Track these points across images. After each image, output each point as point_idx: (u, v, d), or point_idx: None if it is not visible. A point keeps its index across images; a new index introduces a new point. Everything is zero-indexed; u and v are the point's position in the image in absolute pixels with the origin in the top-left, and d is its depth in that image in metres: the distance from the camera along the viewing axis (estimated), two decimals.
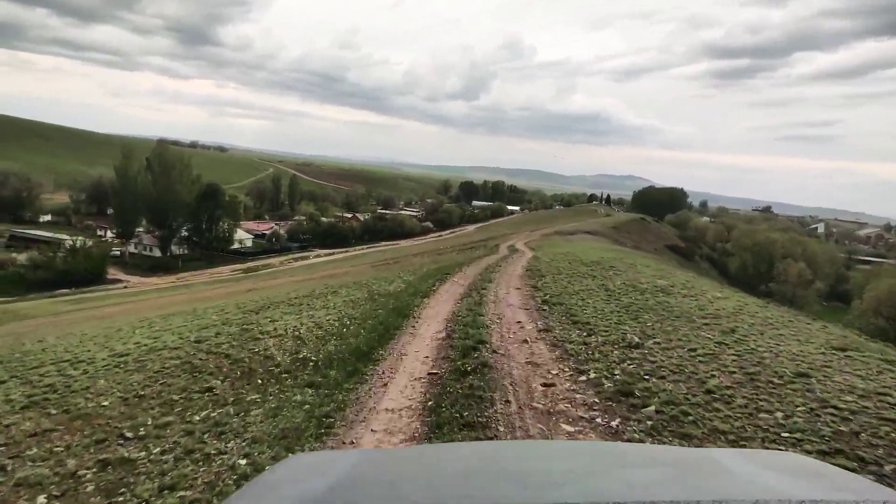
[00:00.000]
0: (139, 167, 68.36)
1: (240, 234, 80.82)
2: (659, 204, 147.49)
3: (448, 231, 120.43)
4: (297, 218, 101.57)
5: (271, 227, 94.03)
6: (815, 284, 46.79)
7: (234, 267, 68.73)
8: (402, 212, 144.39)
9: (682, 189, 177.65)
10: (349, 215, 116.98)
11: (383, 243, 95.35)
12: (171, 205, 66.60)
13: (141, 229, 70.81)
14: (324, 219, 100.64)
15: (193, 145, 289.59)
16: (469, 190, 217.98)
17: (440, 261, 24.98)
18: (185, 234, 72.10)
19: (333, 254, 79.97)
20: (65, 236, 62.30)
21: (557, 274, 15.20)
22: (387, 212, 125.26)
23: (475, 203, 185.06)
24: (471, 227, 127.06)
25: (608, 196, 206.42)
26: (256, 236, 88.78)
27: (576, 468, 1.34)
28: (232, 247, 76.65)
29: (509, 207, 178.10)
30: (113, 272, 60.06)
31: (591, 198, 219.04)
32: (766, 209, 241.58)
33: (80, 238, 60.41)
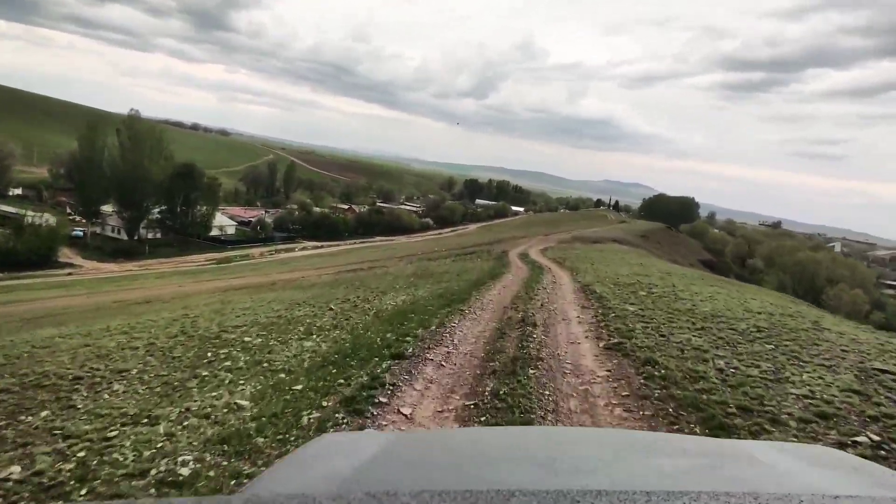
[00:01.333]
0: (109, 141, 61.19)
1: (221, 219, 73.89)
2: (670, 213, 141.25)
3: (448, 229, 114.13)
4: (289, 206, 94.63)
5: (257, 215, 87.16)
6: (871, 314, 40.17)
7: (209, 256, 61.88)
8: (403, 206, 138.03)
9: (693, 199, 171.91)
10: (345, 206, 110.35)
11: (378, 238, 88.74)
12: (140, 183, 59.60)
13: (109, 208, 63.75)
14: (317, 209, 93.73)
15: (195, 127, 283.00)
16: (473, 188, 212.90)
17: (431, 274, 17.71)
18: (157, 216, 65.08)
19: (322, 247, 73.16)
20: (30, 212, 55.39)
21: (655, 329, 8.19)
22: (385, 205, 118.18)
23: (479, 202, 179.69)
24: (472, 227, 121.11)
25: (617, 202, 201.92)
26: (241, 223, 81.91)
27: (605, 455, 1.34)
28: (210, 233, 69.76)
29: (513, 208, 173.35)
30: (68, 255, 53.27)
31: (598, 203, 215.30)
32: (776, 224, 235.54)
33: (38, 215, 53.68)
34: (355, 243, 79.18)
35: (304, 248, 71.30)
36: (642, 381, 5.66)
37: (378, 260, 32.77)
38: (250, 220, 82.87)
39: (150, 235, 64.90)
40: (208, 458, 4.08)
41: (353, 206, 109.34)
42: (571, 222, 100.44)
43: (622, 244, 34.87)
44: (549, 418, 4.77)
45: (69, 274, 45.72)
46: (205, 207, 67.50)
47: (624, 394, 5.40)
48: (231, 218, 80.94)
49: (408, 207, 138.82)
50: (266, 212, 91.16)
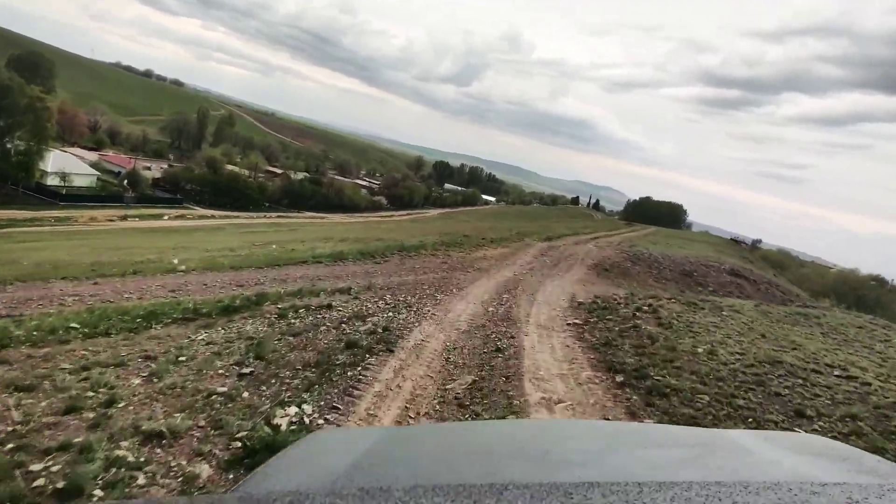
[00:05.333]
0: None
1: (65, 163, 51.52)
2: (659, 216, 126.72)
3: (404, 212, 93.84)
4: (186, 163, 72.32)
5: (144, 166, 64.71)
6: None
7: (13, 215, 39.92)
8: (357, 182, 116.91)
9: (681, 205, 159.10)
10: (277, 171, 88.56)
11: (307, 214, 67.84)
12: None
13: None
14: (232, 167, 71.91)
15: (148, 74, 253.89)
16: (443, 171, 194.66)
17: None
18: None
19: (210, 217, 51.64)
20: None
21: None
22: (337, 177, 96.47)
23: (447, 186, 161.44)
24: (434, 212, 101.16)
25: (597, 201, 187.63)
26: (111, 173, 59.65)
27: (597, 448, 1.35)
28: (43, 182, 47.56)
29: (484, 197, 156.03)
30: None
31: (575, 200, 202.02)
32: (735, 240, 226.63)
33: None
34: (268, 218, 57.71)
35: (181, 217, 49.54)
36: None
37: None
38: (121, 171, 60.41)
39: None
40: None
41: (286, 172, 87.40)
42: (553, 218, 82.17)
43: (732, 271, 16.55)
44: None
45: None
46: (28, 143, 45.05)
47: None
48: (94, 166, 58.49)
49: (362, 183, 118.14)
50: (150, 165, 68.43)
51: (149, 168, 66.18)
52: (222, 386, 5.09)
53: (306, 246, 14.25)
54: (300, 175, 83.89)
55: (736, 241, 52.11)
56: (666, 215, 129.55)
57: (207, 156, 69.72)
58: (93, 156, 65.20)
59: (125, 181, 56.55)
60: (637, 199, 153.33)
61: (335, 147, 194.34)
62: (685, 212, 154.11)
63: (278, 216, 60.98)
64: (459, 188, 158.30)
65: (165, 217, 47.88)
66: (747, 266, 18.67)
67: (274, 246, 14.37)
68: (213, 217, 52.06)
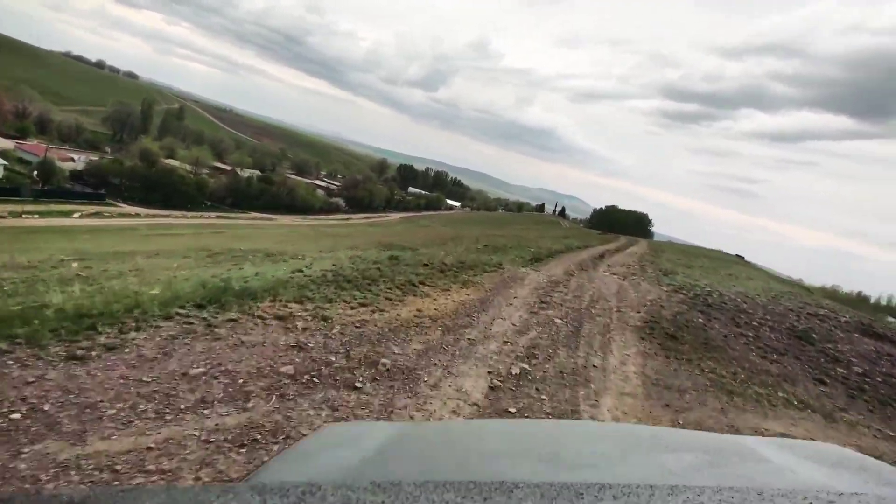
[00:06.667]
0: None
1: None
2: (624, 226, 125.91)
3: (363, 215, 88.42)
4: (115, 155, 65.17)
5: (66, 157, 57.40)
6: None
7: None
8: (315, 182, 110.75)
9: (647, 214, 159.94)
10: (225, 167, 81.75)
11: (253, 215, 61.67)
12: None
13: None
14: (173, 161, 65.04)
15: (100, 65, 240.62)
16: (407, 174, 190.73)
17: None
18: None
19: (135, 216, 45.07)
20: None
21: None
22: (293, 176, 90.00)
23: (411, 189, 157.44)
24: (395, 216, 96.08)
25: (563, 209, 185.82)
26: (26, 163, 52.32)
27: (609, 450, 1.34)
28: None
29: (449, 202, 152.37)
30: None
31: (541, 208, 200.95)
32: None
33: None
34: (205, 218, 51.47)
35: (95, 215, 42.80)
36: None
37: None
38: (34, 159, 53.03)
39: None
40: None
41: (234, 169, 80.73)
42: (521, 225, 78.25)
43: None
44: None
45: None
46: None
47: None
48: (3, 154, 51.10)
49: (320, 184, 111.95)
50: (75, 157, 60.94)
51: (72, 159, 58.87)
52: None
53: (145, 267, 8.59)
54: (248, 173, 77.30)
55: (740, 258, 47.54)
56: (632, 225, 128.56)
57: (141, 147, 62.61)
58: (7, 143, 57.59)
59: (35, 172, 49.23)
60: (603, 207, 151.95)
61: (297, 147, 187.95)
62: (650, 221, 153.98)
63: (218, 216, 54.78)
64: (423, 192, 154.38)
65: (77, 214, 41.16)
66: (864, 316, 12.97)
67: (75, 265, 8.54)
68: (136, 216, 45.56)
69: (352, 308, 6.11)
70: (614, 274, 13.95)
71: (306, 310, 5.68)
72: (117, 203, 51.53)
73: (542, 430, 1.81)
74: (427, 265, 9.68)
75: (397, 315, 6.16)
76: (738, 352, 7.37)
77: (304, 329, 5.15)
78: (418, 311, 6.51)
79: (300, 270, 7.50)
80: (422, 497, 0.77)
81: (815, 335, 9.02)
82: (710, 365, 6.52)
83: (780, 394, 5.97)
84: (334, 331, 5.26)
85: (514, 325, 6.83)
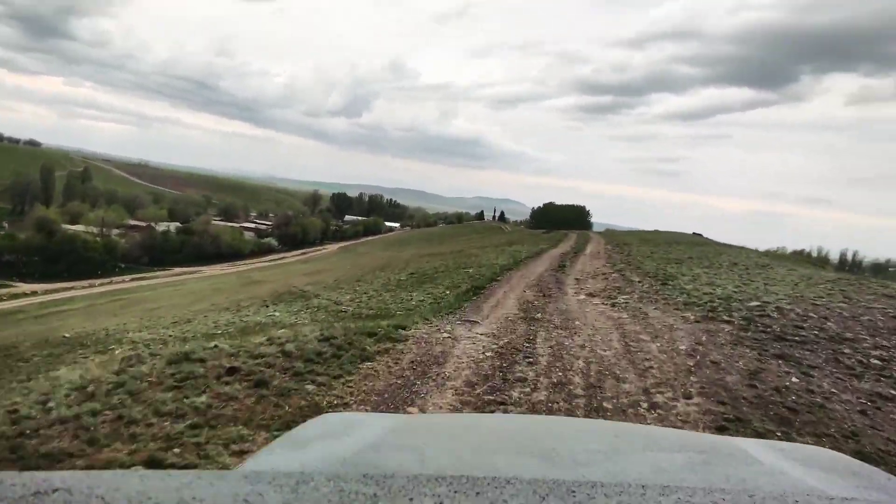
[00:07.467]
0: None
1: None
2: (565, 220, 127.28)
3: (298, 251, 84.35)
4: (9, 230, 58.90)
5: None
6: None
7: None
8: (244, 225, 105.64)
9: (584, 206, 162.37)
10: (140, 225, 75.78)
11: (175, 270, 56.81)
12: None
13: None
14: (82, 228, 59.24)
15: (13, 140, 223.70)
16: (342, 203, 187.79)
17: None
18: None
19: (35, 294, 39.77)
20: None
21: None
22: (205, 223, 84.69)
23: (347, 218, 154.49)
24: (333, 246, 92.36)
25: (502, 213, 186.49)
26: None
27: (603, 448, 1.33)
28: None
29: (388, 224, 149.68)
30: None
31: (480, 216, 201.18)
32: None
33: None
34: (120, 282, 46.49)
35: None
36: None
37: None
38: None
39: None
40: None
41: (151, 225, 74.97)
42: (460, 237, 76.45)
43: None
44: None
45: None
46: None
47: None
48: None
49: (249, 226, 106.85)
50: None
51: None
52: None
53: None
54: (164, 226, 71.87)
55: (698, 235, 46.18)
56: (572, 218, 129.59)
57: (37, 217, 56.62)
58: None
59: None
60: (541, 206, 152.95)
61: (223, 192, 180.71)
62: (589, 213, 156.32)
63: (133, 278, 49.79)
64: (360, 218, 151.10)
65: None
66: None
67: None
68: (33, 294, 40.33)
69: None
70: (593, 297, 9.87)
71: None
72: (12, 283, 45.81)
73: (536, 427, 1.78)
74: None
75: None
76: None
77: None
78: None
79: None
80: (414, 490, 0.76)
81: None
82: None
83: None
84: None
85: None
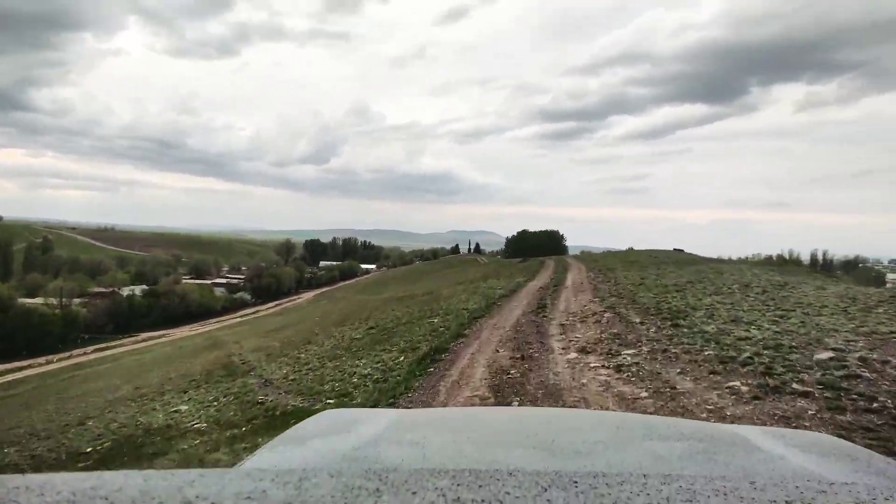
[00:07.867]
0: None
1: None
2: (540, 246, 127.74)
3: (272, 304, 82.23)
4: None
5: None
6: None
7: None
8: (216, 281, 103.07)
9: (558, 231, 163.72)
10: (105, 291, 73.19)
11: (142, 335, 54.52)
12: None
13: None
14: (46, 301, 56.73)
15: None
16: (316, 249, 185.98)
17: None
18: None
19: None
20: None
21: None
22: (195, 281, 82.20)
23: (322, 264, 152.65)
24: (309, 294, 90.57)
25: (477, 245, 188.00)
26: None
27: (603, 438, 1.34)
28: None
29: (364, 266, 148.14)
30: None
31: (455, 249, 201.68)
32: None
33: None
34: (79, 355, 44.10)
35: None
36: None
37: None
38: None
39: None
40: None
41: (116, 290, 72.43)
42: (435, 273, 75.55)
43: None
44: None
45: None
46: None
47: None
48: None
49: (221, 281, 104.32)
50: None
51: None
52: None
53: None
54: (129, 290, 69.43)
55: (679, 251, 45.67)
56: (547, 244, 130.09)
57: None
58: None
59: None
60: (515, 234, 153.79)
61: (193, 250, 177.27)
62: (563, 237, 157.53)
63: (96, 349, 47.41)
64: (335, 263, 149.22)
65: None
66: None
67: None
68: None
69: None
70: (587, 353, 7.66)
71: None
72: None
73: (537, 419, 1.79)
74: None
75: None
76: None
77: None
78: None
79: None
80: (416, 484, 0.76)
81: None
82: None
83: None
84: None
85: None
